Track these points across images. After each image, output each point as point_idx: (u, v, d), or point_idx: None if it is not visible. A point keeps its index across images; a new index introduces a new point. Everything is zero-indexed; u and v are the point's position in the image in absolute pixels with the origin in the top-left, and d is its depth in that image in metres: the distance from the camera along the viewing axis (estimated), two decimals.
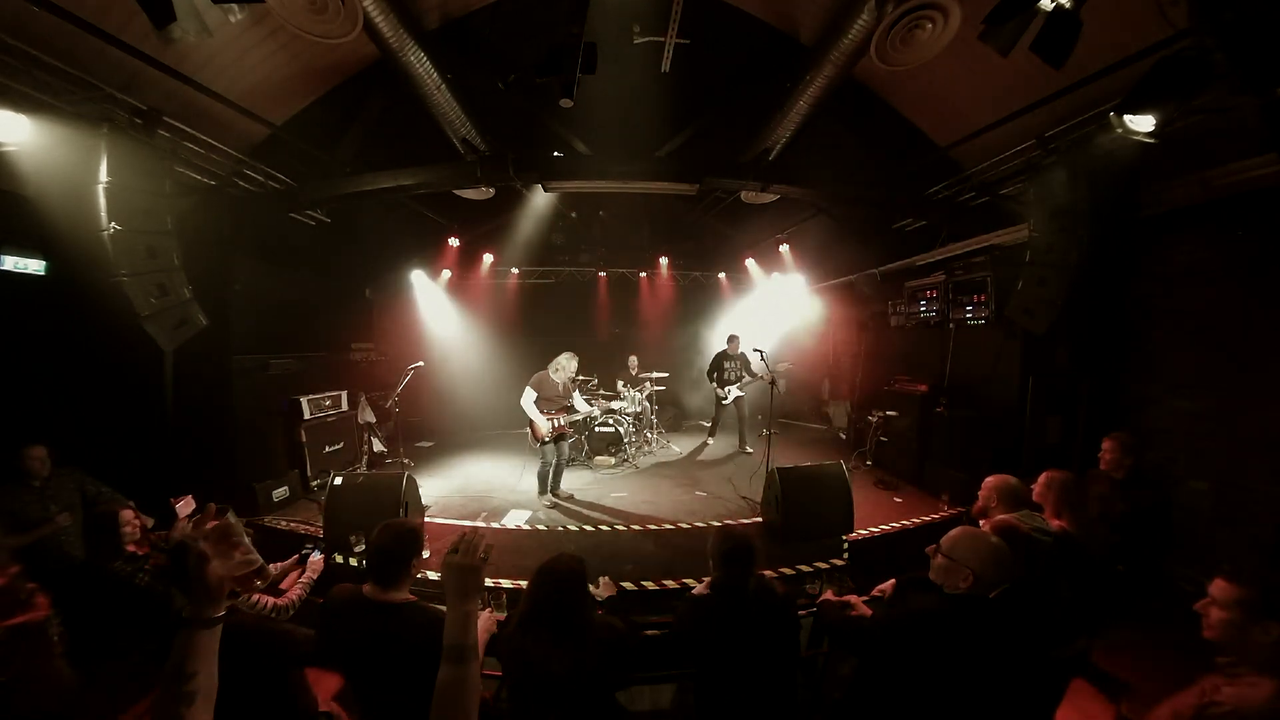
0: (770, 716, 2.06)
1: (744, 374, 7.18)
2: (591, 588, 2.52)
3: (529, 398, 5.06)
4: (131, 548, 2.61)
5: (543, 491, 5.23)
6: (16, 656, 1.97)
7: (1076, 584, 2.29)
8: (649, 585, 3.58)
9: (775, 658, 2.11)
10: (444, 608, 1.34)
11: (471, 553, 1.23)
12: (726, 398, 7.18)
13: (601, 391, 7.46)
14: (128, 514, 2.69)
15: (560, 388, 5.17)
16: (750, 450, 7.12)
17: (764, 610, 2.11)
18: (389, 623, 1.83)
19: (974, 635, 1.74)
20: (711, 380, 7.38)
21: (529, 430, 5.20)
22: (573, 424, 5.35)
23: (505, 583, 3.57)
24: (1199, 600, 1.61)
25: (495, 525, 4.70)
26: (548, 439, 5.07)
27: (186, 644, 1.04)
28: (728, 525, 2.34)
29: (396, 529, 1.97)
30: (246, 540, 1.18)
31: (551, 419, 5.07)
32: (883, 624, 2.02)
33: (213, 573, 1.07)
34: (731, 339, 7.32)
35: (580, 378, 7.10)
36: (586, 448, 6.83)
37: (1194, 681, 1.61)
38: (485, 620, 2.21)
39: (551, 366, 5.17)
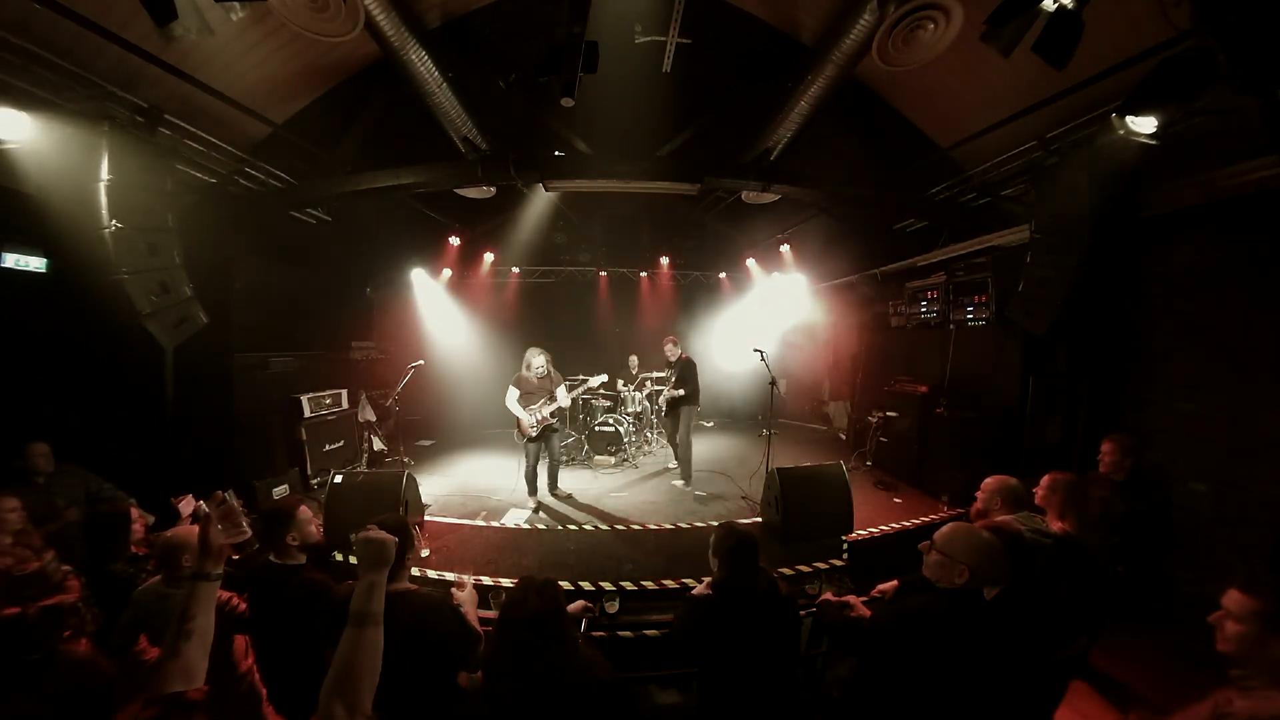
0: (773, 715, 2.06)
1: (675, 384, 5.91)
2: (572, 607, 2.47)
3: (511, 396, 5.09)
4: (133, 548, 2.60)
5: (531, 492, 5.17)
6: (49, 637, 2.02)
7: (1077, 586, 2.29)
8: (649, 585, 3.58)
9: (779, 656, 2.10)
10: (441, 594, 1.62)
11: (381, 531, 1.42)
12: (663, 410, 6.25)
13: (602, 392, 7.44)
14: (135, 511, 2.69)
15: (535, 383, 5.11)
16: (676, 472, 5.97)
17: (771, 608, 2.11)
18: (393, 610, 1.83)
19: (971, 633, 1.73)
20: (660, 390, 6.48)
21: (516, 428, 5.19)
22: (555, 415, 5.17)
23: (506, 582, 3.57)
24: (1211, 611, 1.56)
25: (495, 524, 4.70)
26: (533, 434, 5.04)
27: (191, 593, 1.32)
28: (730, 522, 2.31)
29: (384, 529, 1.97)
30: (242, 519, 1.64)
31: (533, 413, 5.03)
32: (880, 623, 2.02)
33: (214, 537, 1.39)
34: (668, 344, 6.16)
35: (580, 376, 7.04)
36: (586, 447, 6.83)
37: (1206, 692, 1.58)
38: (473, 599, 2.26)
39: (523, 364, 5.17)
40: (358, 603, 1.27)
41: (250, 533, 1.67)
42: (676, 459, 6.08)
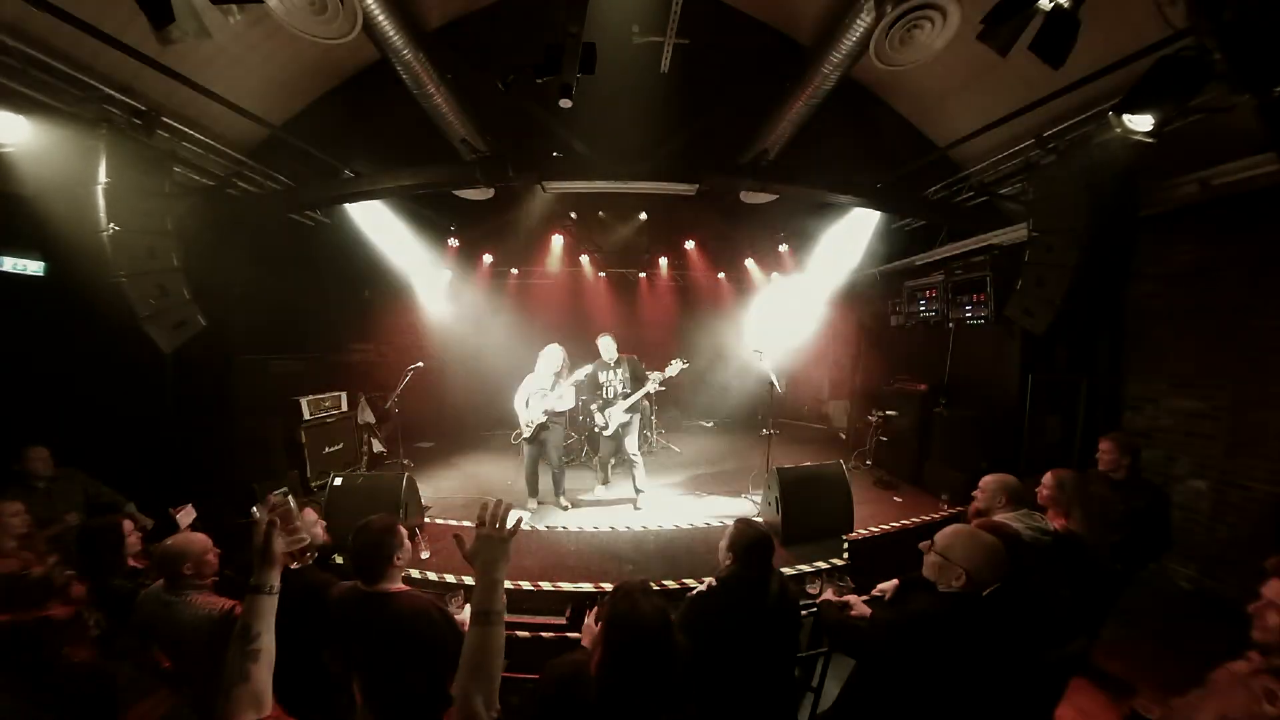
0: (772, 714, 2.06)
1: (628, 388, 5.08)
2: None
3: (519, 397, 5.00)
4: (132, 561, 2.58)
5: (531, 493, 5.12)
6: (49, 644, 2.01)
7: (1077, 583, 2.29)
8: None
9: (780, 655, 2.10)
10: (432, 596, 1.60)
11: (500, 526, 1.33)
12: (607, 427, 5.10)
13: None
14: (128, 524, 2.66)
15: (545, 381, 4.96)
16: (640, 504, 5.11)
17: (778, 607, 2.10)
18: (381, 611, 1.88)
19: (970, 634, 1.73)
20: (591, 406, 5.26)
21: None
22: (550, 414, 4.92)
23: (506, 584, 3.57)
24: (1211, 607, 1.58)
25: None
26: (525, 433, 4.95)
27: (252, 608, 1.26)
28: (747, 518, 2.29)
29: (370, 531, 1.97)
30: (298, 522, 1.47)
31: (529, 412, 4.94)
32: (880, 627, 2.02)
33: (276, 545, 1.33)
34: (604, 341, 5.20)
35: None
36: (586, 448, 6.83)
37: (1210, 677, 1.57)
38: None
39: (539, 360, 5.03)
40: (481, 601, 1.27)
41: (309, 538, 1.54)
42: (636, 480, 5.14)
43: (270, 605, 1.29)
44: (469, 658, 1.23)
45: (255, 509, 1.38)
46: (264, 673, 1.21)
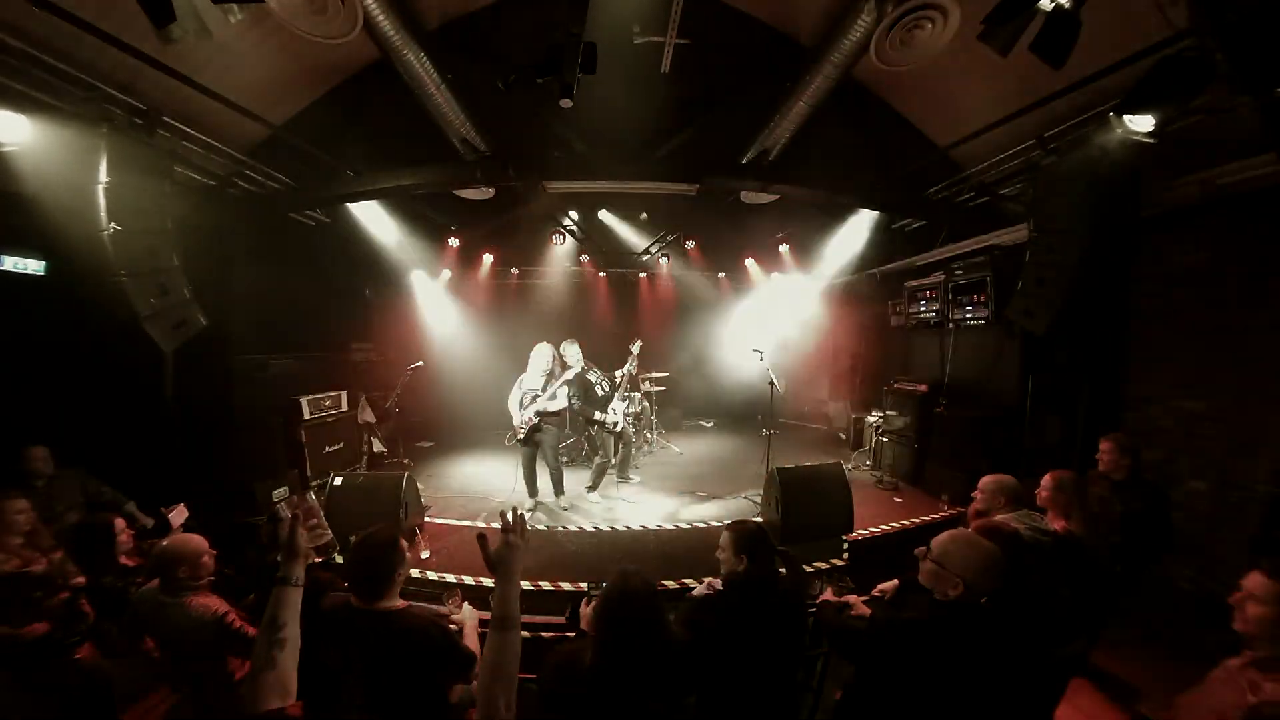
0: (774, 715, 2.05)
1: (609, 387, 5.43)
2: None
3: (513, 397, 4.97)
4: (123, 559, 2.57)
5: (531, 493, 5.10)
6: (51, 635, 2.01)
7: (1076, 585, 2.29)
8: None
9: (784, 655, 2.09)
10: (432, 607, 1.67)
11: (523, 533, 1.44)
12: (619, 424, 5.32)
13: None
14: (120, 522, 2.64)
15: (537, 381, 4.94)
16: (635, 478, 5.99)
17: (787, 605, 2.08)
18: (380, 630, 1.77)
19: (967, 641, 1.72)
20: (592, 411, 5.20)
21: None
22: (542, 415, 4.91)
23: None
24: (1212, 608, 1.58)
25: (495, 525, 4.69)
26: (520, 434, 4.93)
27: (279, 599, 1.29)
28: (740, 519, 2.28)
29: (372, 545, 1.82)
30: (322, 518, 1.62)
31: (523, 413, 4.90)
32: (876, 631, 2.00)
33: (301, 539, 1.39)
34: (573, 348, 5.20)
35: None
36: (586, 448, 6.83)
37: (1208, 675, 1.58)
38: (472, 617, 2.19)
39: (530, 360, 5.02)
40: (503, 607, 1.32)
41: (332, 534, 1.63)
42: (620, 475, 5.74)
43: (296, 596, 1.33)
44: (491, 662, 1.27)
45: (280, 505, 1.49)
46: (290, 661, 1.24)
